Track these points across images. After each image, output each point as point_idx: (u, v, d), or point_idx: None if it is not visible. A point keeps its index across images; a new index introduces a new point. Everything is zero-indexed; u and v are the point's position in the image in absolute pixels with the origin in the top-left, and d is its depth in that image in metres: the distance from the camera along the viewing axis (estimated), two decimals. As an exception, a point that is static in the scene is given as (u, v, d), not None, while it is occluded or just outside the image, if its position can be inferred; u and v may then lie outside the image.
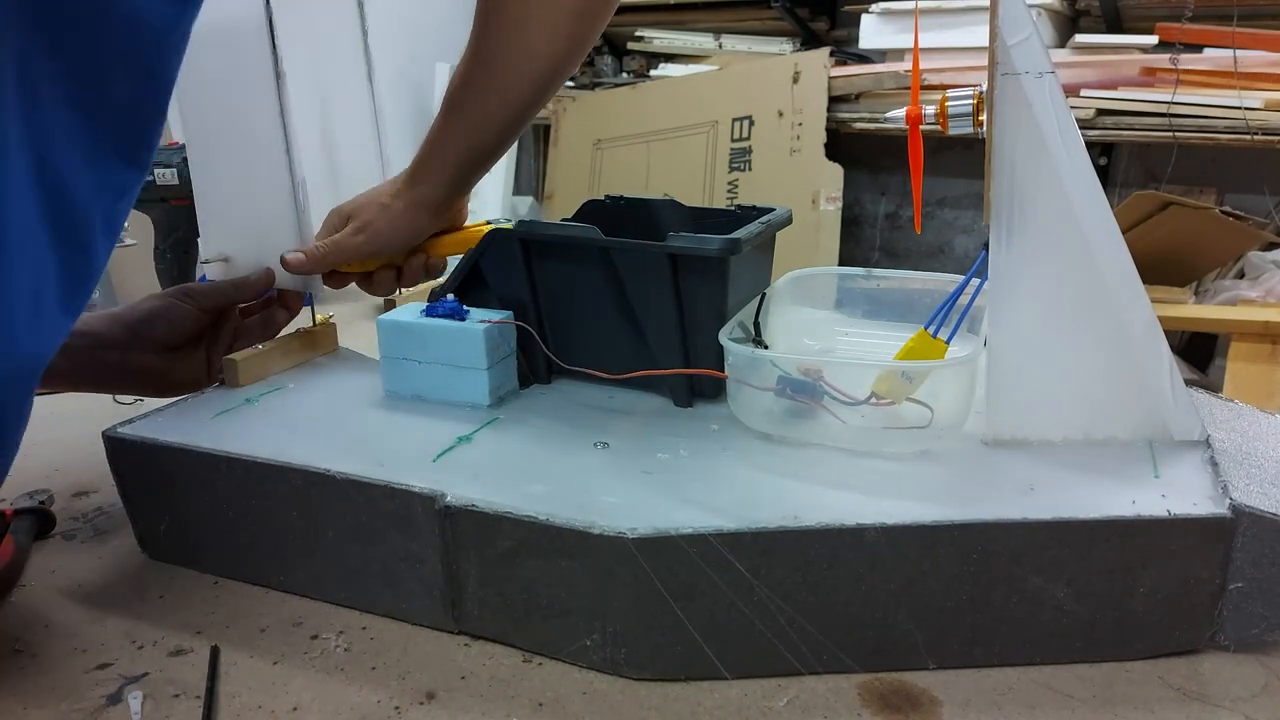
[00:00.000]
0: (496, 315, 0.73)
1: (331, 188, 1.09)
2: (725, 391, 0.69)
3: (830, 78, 1.91)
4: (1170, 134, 1.63)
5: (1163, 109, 1.63)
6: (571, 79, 2.46)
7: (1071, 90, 1.70)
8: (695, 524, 0.53)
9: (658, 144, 2.10)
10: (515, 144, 2.11)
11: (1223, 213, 1.50)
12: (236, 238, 0.89)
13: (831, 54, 1.95)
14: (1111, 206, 0.60)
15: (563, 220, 0.78)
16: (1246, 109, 1.55)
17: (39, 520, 0.74)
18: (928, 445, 0.64)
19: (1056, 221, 0.60)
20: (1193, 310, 1.38)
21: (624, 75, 2.41)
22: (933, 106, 0.63)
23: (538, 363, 0.77)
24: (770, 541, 0.53)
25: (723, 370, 0.68)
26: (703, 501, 0.57)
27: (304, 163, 0.86)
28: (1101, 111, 1.70)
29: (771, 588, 0.54)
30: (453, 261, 0.81)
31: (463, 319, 0.72)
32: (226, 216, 0.89)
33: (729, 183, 2.01)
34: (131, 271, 1.79)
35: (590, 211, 0.84)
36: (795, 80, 1.94)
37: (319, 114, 1.07)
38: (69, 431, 0.91)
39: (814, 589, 0.54)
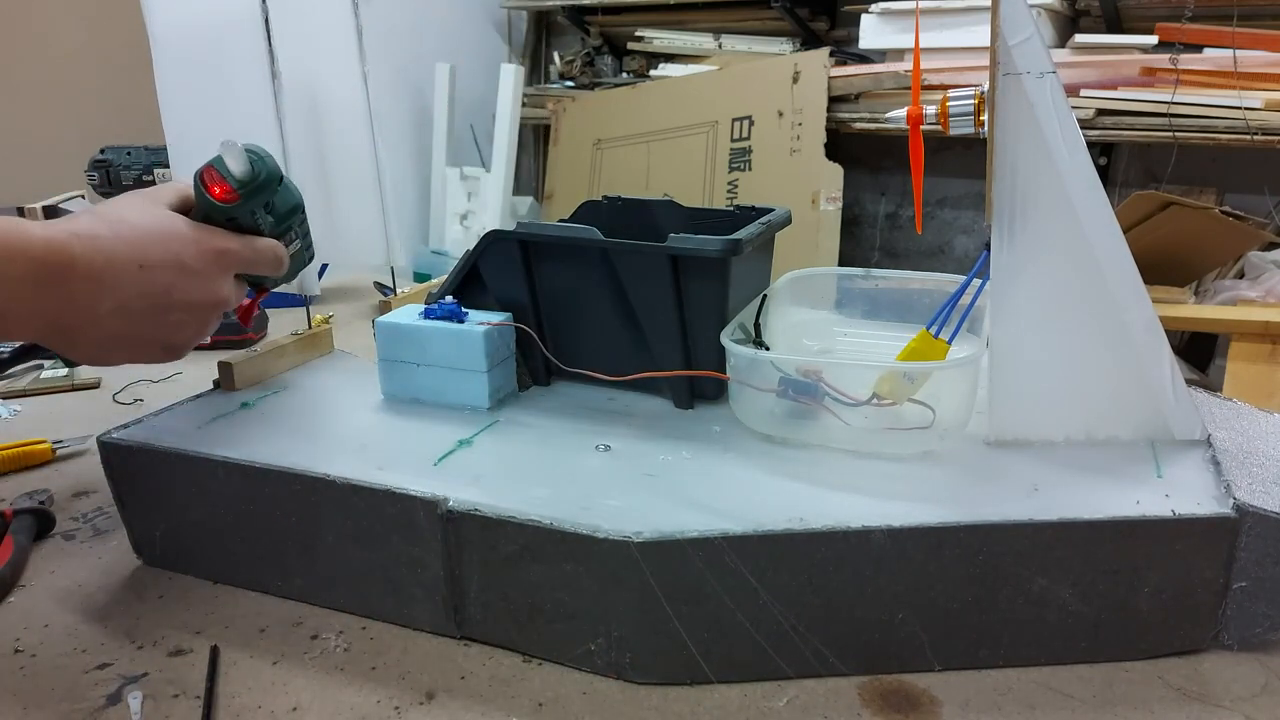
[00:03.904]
0: (496, 317, 0.73)
1: (324, 190, 1.09)
2: (726, 393, 0.69)
3: (830, 78, 1.91)
4: (1170, 134, 1.62)
5: (1163, 109, 1.63)
6: (571, 79, 2.46)
7: (1071, 90, 1.70)
8: (700, 527, 0.53)
9: (658, 144, 2.10)
10: (515, 143, 2.11)
11: (1223, 213, 1.49)
12: None
13: (831, 54, 1.94)
14: (1111, 206, 0.60)
15: (561, 221, 0.78)
16: (1246, 109, 1.55)
17: (39, 520, 0.74)
18: (930, 446, 0.64)
19: (1058, 221, 0.60)
20: (1193, 310, 1.38)
21: (624, 75, 2.40)
22: (933, 106, 0.63)
23: (537, 365, 0.76)
24: (776, 545, 0.53)
25: (724, 372, 0.68)
26: (706, 504, 0.57)
27: (298, 163, 0.86)
28: (1101, 111, 1.70)
29: (776, 591, 0.54)
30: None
31: (461, 321, 0.72)
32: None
33: (729, 183, 2.01)
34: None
35: (587, 212, 0.84)
36: (795, 80, 1.93)
37: (313, 114, 1.07)
38: (68, 431, 0.90)
39: (819, 592, 0.54)
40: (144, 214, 0.58)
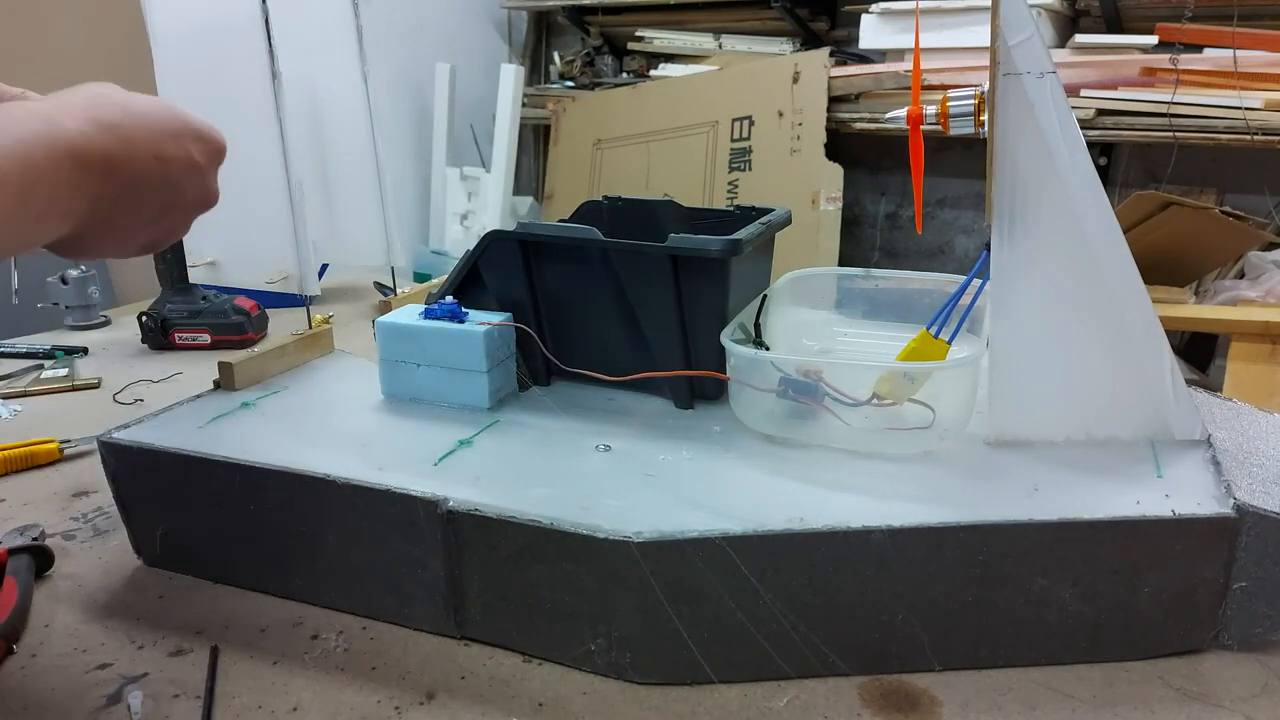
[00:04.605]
0: (496, 317, 0.73)
1: (325, 190, 1.09)
2: (726, 393, 0.69)
3: (830, 78, 1.91)
4: (1170, 134, 1.63)
5: (1163, 109, 1.63)
6: (571, 79, 2.46)
7: (1072, 90, 1.70)
8: (700, 527, 0.53)
9: (658, 144, 2.10)
10: (515, 143, 2.11)
11: (1223, 213, 1.49)
12: (224, 240, 0.89)
13: (831, 54, 1.95)
14: (1111, 206, 0.60)
15: (561, 221, 0.78)
16: (1246, 109, 1.55)
17: (36, 557, 0.68)
18: (930, 446, 0.64)
19: (1058, 221, 0.60)
20: (1193, 310, 1.38)
21: (624, 75, 2.41)
22: (934, 106, 0.63)
23: (537, 365, 0.76)
24: (776, 545, 0.53)
25: (724, 372, 0.68)
26: (706, 504, 0.57)
27: (298, 163, 0.86)
28: (1101, 111, 1.70)
29: (777, 591, 0.54)
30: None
31: (462, 321, 0.72)
32: (213, 218, 0.88)
33: (729, 183, 2.01)
34: (132, 271, 1.79)
35: (588, 212, 0.84)
36: (795, 80, 1.93)
37: (313, 114, 1.07)
38: (68, 431, 0.90)
39: (819, 592, 0.54)
40: (144, 101, 0.53)
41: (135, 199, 0.52)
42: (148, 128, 0.52)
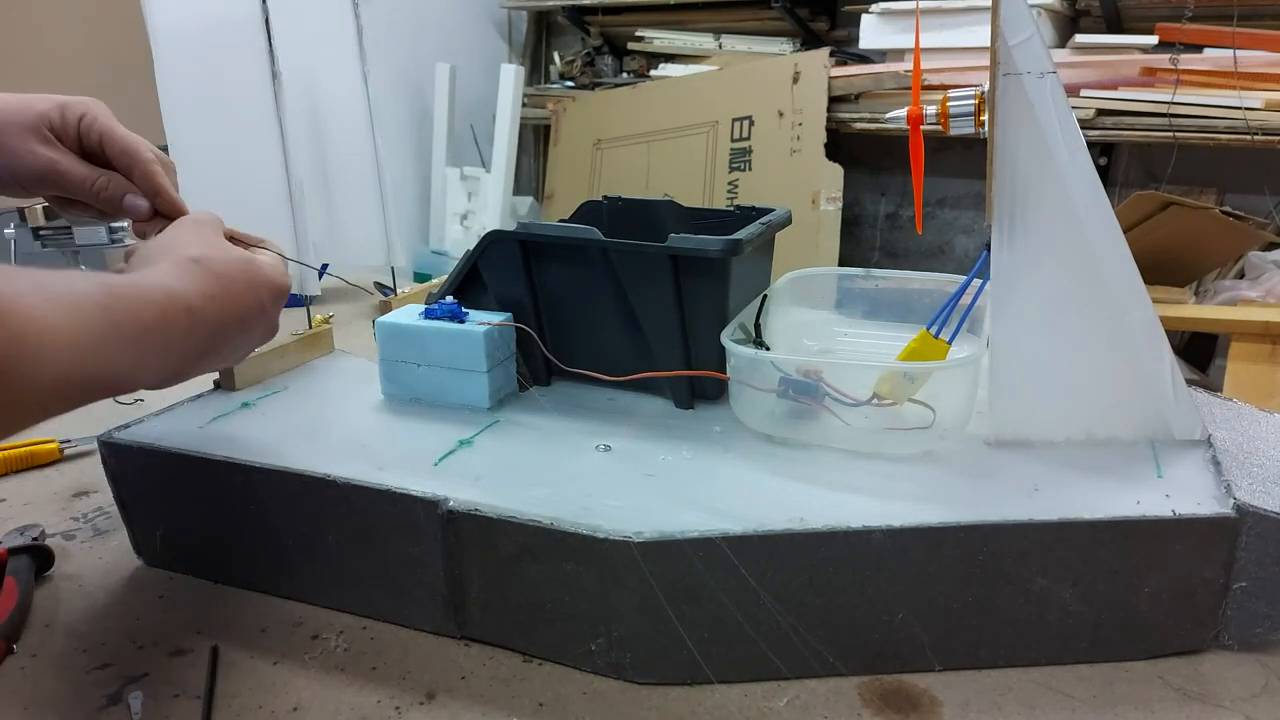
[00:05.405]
0: (496, 317, 0.73)
1: (325, 190, 1.09)
2: (727, 393, 0.69)
3: (830, 78, 1.91)
4: (1170, 134, 1.62)
5: (1163, 109, 1.63)
6: (571, 79, 2.46)
7: (1071, 90, 1.70)
8: (700, 527, 0.53)
9: (658, 144, 2.10)
10: (515, 143, 2.11)
11: (1223, 213, 1.49)
12: None
13: (831, 54, 1.94)
14: (1111, 206, 0.60)
15: (561, 221, 0.78)
16: (1246, 109, 1.55)
17: (36, 557, 0.68)
18: (930, 446, 0.64)
19: (1058, 221, 0.60)
20: (1193, 310, 1.38)
21: (624, 75, 2.40)
22: (934, 106, 0.63)
23: (537, 365, 0.76)
24: (776, 545, 0.53)
25: (724, 372, 0.68)
26: (707, 504, 0.57)
27: (298, 163, 0.86)
28: (1101, 111, 1.70)
29: (777, 591, 0.54)
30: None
31: (462, 321, 0.72)
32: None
33: (729, 183, 2.01)
34: (131, 272, 1.79)
35: (588, 212, 0.84)
36: (795, 80, 1.93)
37: (313, 114, 1.07)
38: (67, 431, 0.90)
39: (819, 592, 0.54)
40: (236, 266, 0.58)
41: (211, 354, 0.57)
42: (240, 301, 0.57)
